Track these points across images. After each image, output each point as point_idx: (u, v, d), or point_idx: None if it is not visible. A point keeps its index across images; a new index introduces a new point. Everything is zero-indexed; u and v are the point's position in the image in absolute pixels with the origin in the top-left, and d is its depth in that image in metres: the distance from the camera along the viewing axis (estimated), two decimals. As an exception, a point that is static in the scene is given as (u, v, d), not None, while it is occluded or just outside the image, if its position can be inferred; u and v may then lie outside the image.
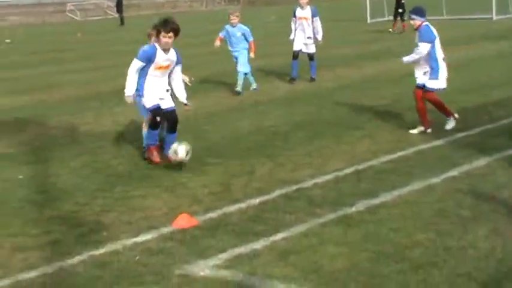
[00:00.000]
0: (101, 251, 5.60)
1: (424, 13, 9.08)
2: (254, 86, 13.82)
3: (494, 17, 30.04)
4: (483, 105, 10.82)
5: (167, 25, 7.91)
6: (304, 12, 14.56)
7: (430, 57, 8.93)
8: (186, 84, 8.82)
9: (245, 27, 13.58)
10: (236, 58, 13.57)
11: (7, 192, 7.53)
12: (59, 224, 6.33)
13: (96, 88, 15.46)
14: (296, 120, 10.57)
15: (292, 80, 14.69)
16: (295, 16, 14.68)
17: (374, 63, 17.31)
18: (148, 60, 8.02)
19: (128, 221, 6.32)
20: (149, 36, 8.68)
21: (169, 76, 8.26)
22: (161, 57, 8.04)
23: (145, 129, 8.57)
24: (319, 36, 14.61)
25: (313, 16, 14.53)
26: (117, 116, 11.26)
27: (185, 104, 8.36)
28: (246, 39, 13.53)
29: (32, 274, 5.22)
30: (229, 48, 13.73)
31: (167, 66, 8.14)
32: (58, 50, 28.30)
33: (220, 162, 8.26)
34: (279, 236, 5.69)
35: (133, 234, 5.96)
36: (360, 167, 7.72)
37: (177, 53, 8.17)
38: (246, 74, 13.59)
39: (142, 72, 8.11)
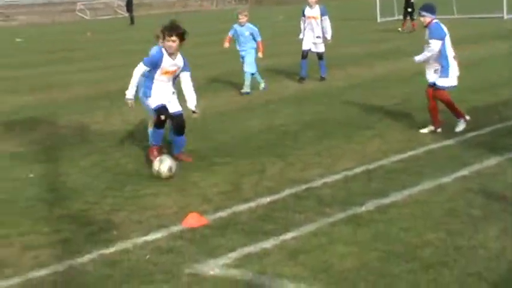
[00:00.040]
0: (111, 249, 5.62)
1: (434, 10, 9.03)
2: (262, 85, 13.79)
3: (506, 16, 29.88)
4: (494, 105, 10.77)
5: (171, 29, 7.93)
6: (313, 12, 14.54)
7: (441, 55, 8.89)
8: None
9: (253, 27, 13.57)
10: (243, 58, 13.56)
11: (18, 191, 7.56)
12: (69, 223, 6.35)
13: (105, 87, 15.49)
14: (306, 120, 10.56)
15: (301, 79, 14.68)
16: (304, 15, 14.68)
17: (384, 62, 17.26)
18: (155, 65, 8.05)
19: (138, 220, 6.33)
20: (157, 38, 8.72)
21: (174, 80, 8.28)
22: (167, 62, 8.04)
23: (150, 128, 8.60)
24: (329, 36, 14.60)
25: (322, 15, 14.52)
26: (126, 115, 11.28)
27: (193, 112, 8.30)
28: (254, 39, 13.52)
29: (43, 272, 5.24)
30: (237, 47, 13.73)
31: (173, 72, 8.16)
32: (68, 49, 28.39)
33: (230, 161, 8.27)
34: (288, 235, 5.69)
35: (144, 233, 5.97)
36: (370, 166, 7.70)
37: (184, 60, 8.17)
38: (252, 74, 13.58)
39: (149, 76, 8.15)
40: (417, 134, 9.08)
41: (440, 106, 9.17)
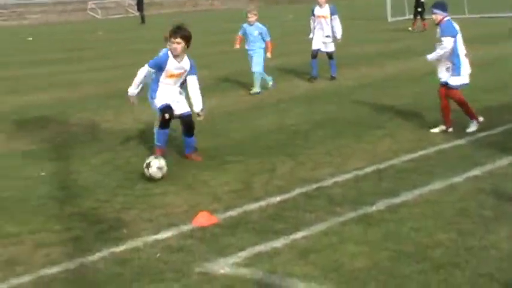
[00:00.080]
0: (122, 248, 5.63)
1: (446, 8, 8.99)
2: (271, 83, 13.75)
3: (517, 16, 29.73)
4: (506, 105, 10.72)
5: (175, 31, 7.97)
6: (322, 11, 14.52)
7: (452, 53, 8.83)
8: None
9: (262, 26, 13.50)
10: (251, 57, 13.49)
11: (29, 189, 7.60)
12: (79, 221, 6.38)
13: (115, 86, 15.50)
14: (316, 119, 10.54)
15: (311, 79, 14.65)
16: (313, 15, 14.66)
17: (395, 62, 17.22)
18: (159, 67, 8.08)
19: (149, 218, 6.34)
20: (165, 39, 8.74)
21: (182, 84, 8.28)
22: (173, 65, 8.05)
23: (156, 127, 8.62)
24: (339, 35, 14.57)
25: (331, 14, 14.49)
26: (137, 114, 11.30)
27: (198, 114, 8.29)
28: (263, 39, 13.45)
29: (54, 270, 5.26)
30: (246, 47, 13.69)
31: (179, 75, 8.16)
32: (78, 48, 28.50)
33: (240, 160, 8.27)
34: (299, 235, 5.68)
35: (154, 231, 5.98)
36: (381, 166, 7.68)
37: (191, 63, 8.16)
38: (260, 73, 13.48)
39: (155, 79, 8.18)
40: (428, 134, 9.05)
41: (452, 106, 9.13)
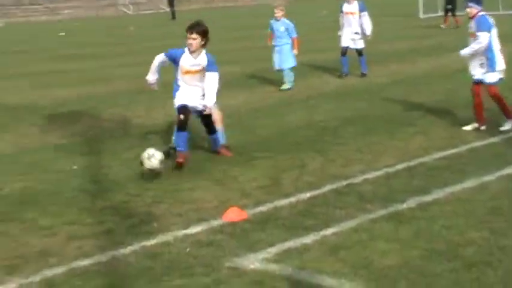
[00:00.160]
0: (152, 242, 5.68)
1: (481, 2, 8.86)
2: (286, 86, 13.31)
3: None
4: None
5: (191, 27, 7.95)
6: (351, 7, 14.43)
7: (487, 48, 8.70)
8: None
9: (289, 22, 13.38)
10: (279, 53, 13.35)
11: (62, 182, 7.70)
12: (111, 214, 6.45)
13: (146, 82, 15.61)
14: (346, 116, 10.49)
15: (342, 75, 14.58)
16: (342, 11, 14.57)
17: (427, 58, 17.03)
18: (173, 59, 8.06)
19: (179, 213, 6.39)
20: None
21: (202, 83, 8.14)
22: (187, 61, 7.98)
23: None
24: (368, 32, 14.46)
25: (360, 11, 14.38)
26: (168, 109, 11.35)
27: (203, 106, 8.00)
28: (289, 35, 13.34)
29: (86, 262, 5.34)
30: (272, 42, 13.56)
31: (196, 72, 8.03)
32: (110, 43, 28.74)
33: (269, 156, 8.27)
34: (329, 231, 5.67)
35: (184, 226, 6.02)
36: (412, 163, 7.62)
37: (209, 59, 8.01)
38: (290, 69, 13.41)
39: (176, 78, 8.16)
40: (460, 132, 8.95)
41: (486, 104, 8.99)
